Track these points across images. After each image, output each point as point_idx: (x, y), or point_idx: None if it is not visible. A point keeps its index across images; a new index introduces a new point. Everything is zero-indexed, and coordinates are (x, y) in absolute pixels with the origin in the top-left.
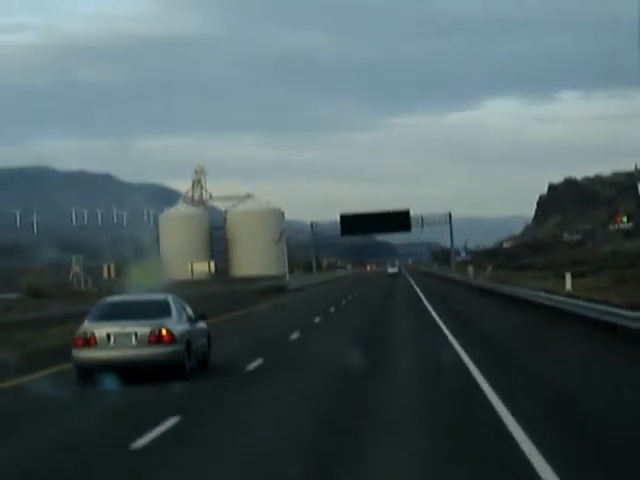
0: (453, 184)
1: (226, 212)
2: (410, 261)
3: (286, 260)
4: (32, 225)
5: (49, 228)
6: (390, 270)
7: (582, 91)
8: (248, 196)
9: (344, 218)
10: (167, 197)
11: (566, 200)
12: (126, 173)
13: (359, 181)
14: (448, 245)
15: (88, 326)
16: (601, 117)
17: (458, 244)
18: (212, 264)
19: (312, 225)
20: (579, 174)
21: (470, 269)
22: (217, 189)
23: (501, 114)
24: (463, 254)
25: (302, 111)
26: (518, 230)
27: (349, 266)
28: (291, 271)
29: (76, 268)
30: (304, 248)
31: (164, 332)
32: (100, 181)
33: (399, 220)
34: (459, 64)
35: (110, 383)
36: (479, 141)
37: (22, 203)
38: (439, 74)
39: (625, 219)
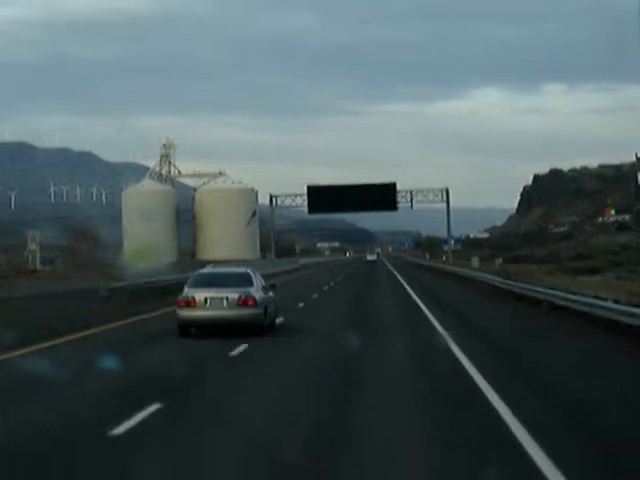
0: (436, 174)
1: (195, 190)
2: (390, 249)
3: (258, 244)
4: (9, 201)
5: (27, 205)
6: (369, 257)
7: (567, 84)
8: (220, 174)
9: (312, 191)
10: None
11: (551, 191)
12: (108, 152)
13: (343, 165)
14: (430, 234)
15: (189, 291)
16: (586, 110)
17: (442, 234)
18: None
19: (272, 198)
20: (565, 166)
21: (475, 260)
22: (189, 168)
23: (487, 104)
24: (453, 243)
25: (288, 95)
26: (500, 221)
27: (327, 252)
28: (263, 256)
29: (32, 246)
30: (286, 233)
31: (249, 298)
32: (82, 159)
33: (383, 196)
34: (447, 51)
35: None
36: (463, 131)
37: (0, 179)
38: (426, 61)
39: (613, 212)
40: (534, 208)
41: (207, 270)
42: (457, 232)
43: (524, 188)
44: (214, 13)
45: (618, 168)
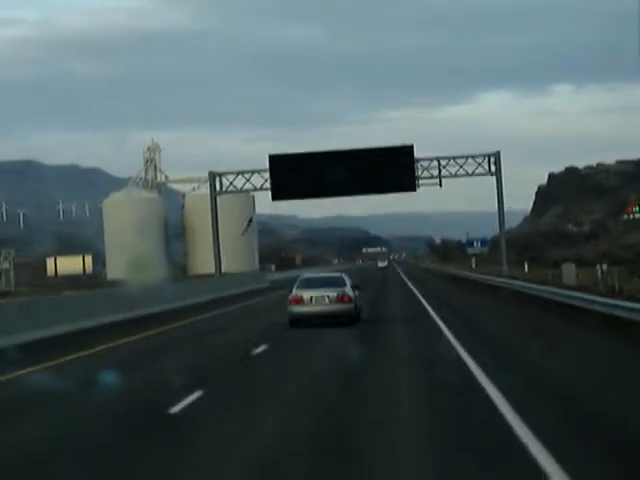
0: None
1: (184, 196)
2: (404, 255)
3: (256, 255)
4: (18, 219)
5: (36, 222)
6: (380, 264)
7: (575, 84)
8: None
9: (276, 163)
10: None
11: (567, 190)
12: (115, 167)
13: None
14: (444, 239)
15: (298, 292)
16: (596, 110)
17: (460, 236)
18: (88, 259)
19: (214, 178)
20: (580, 164)
21: (570, 270)
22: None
23: (495, 107)
24: (478, 245)
25: (294, 105)
26: (515, 222)
27: (335, 261)
28: (262, 268)
29: (5, 264)
30: (293, 243)
31: (345, 295)
32: (90, 175)
33: (394, 167)
34: (453, 57)
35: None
36: (473, 134)
37: (9, 197)
38: (433, 67)
39: (637, 208)
40: (550, 208)
41: (309, 275)
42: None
43: (539, 188)
44: (220, 28)
45: (637, 163)
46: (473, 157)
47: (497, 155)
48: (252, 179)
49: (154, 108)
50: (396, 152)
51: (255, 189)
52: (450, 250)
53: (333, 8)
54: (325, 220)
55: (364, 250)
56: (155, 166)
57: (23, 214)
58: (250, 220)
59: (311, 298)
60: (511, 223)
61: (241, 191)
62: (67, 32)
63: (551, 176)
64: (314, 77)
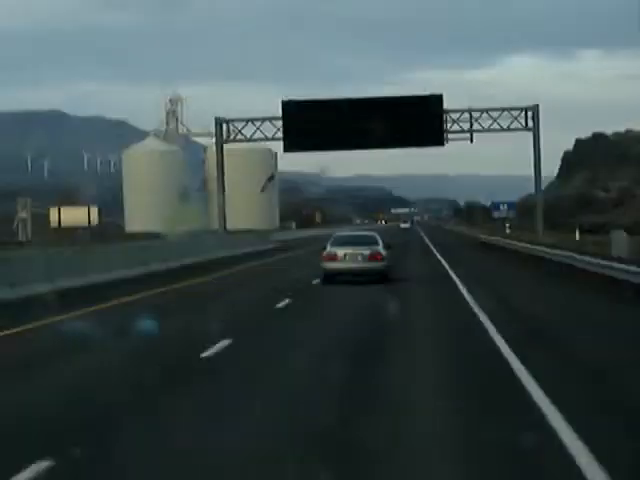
0: (470, 147)
1: (205, 149)
2: (427, 217)
3: (277, 212)
4: (43, 169)
5: (61, 172)
6: (402, 225)
7: (603, 49)
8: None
9: (290, 109)
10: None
11: (594, 156)
12: (143, 120)
13: None
14: (469, 202)
15: (331, 249)
16: (624, 76)
17: (484, 199)
18: (94, 210)
19: (220, 126)
20: (608, 130)
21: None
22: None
23: (521, 72)
24: (504, 209)
25: (317, 64)
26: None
27: (357, 221)
28: (283, 226)
29: (22, 214)
30: (316, 201)
31: (378, 253)
32: (116, 127)
33: (422, 118)
34: (477, 20)
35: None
36: (498, 98)
37: (35, 147)
38: (457, 30)
39: None
40: (576, 174)
41: (344, 233)
42: (486, 200)
43: (565, 154)
44: None
45: None
46: (509, 110)
47: (535, 109)
48: (263, 127)
49: (183, 61)
50: (423, 101)
51: (267, 138)
52: (475, 213)
53: None
54: (349, 179)
55: (392, 210)
56: (177, 119)
57: (47, 164)
58: (271, 176)
59: (344, 255)
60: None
61: (250, 140)
62: None
63: (578, 142)
64: (335, 35)
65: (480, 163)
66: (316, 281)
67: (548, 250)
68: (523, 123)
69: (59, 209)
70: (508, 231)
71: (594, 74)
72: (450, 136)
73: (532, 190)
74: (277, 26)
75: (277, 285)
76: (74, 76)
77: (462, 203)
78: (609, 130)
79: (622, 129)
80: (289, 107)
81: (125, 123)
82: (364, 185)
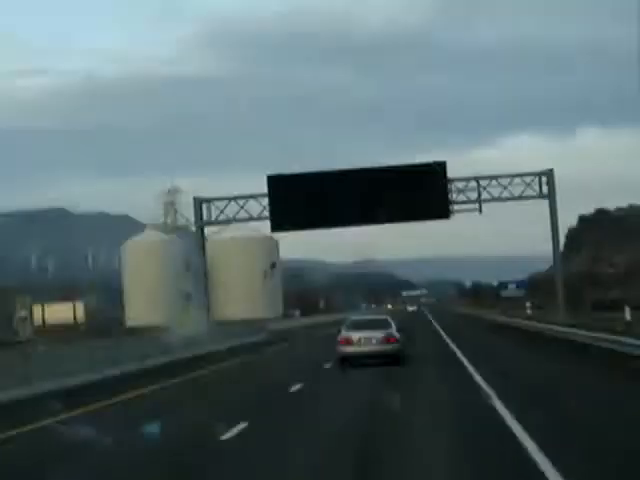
0: (473, 224)
1: (205, 240)
2: (433, 299)
3: (280, 299)
4: (47, 268)
5: (65, 271)
6: (409, 308)
7: (601, 127)
8: (234, 221)
9: (276, 184)
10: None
11: (598, 232)
12: (144, 214)
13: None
14: (475, 282)
15: (346, 333)
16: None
17: (490, 280)
18: (80, 307)
19: (200, 205)
20: (611, 206)
21: None
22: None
23: (521, 151)
24: (513, 287)
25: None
26: (544, 267)
27: (364, 305)
28: (286, 314)
29: (22, 312)
30: (320, 288)
31: (391, 337)
32: (119, 222)
33: (424, 189)
34: (477, 101)
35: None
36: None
37: (39, 245)
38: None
39: None
40: (581, 250)
41: (357, 317)
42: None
43: (569, 230)
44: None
45: None
46: (521, 176)
47: (550, 174)
48: (248, 206)
49: (183, 154)
50: (426, 170)
51: (251, 218)
52: (482, 294)
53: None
54: (353, 265)
55: (404, 293)
56: (175, 210)
57: (52, 262)
58: (273, 264)
59: (359, 339)
60: (539, 267)
61: (235, 220)
62: (91, 81)
63: (581, 218)
64: (335, 123)
65: (485, 243)
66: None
67: (586, 334)
68: (537, 190)
69: (42, 307)
70: (529, 312)
71: (594, 151)
72: (456, 207)
73: (540, 268)
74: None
75: (234, 399)
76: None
77: (468, 283)
78: (612, 206)
79: (624, 204)
80: (275, 182)
81: (128, 217)
82: (368, 269)
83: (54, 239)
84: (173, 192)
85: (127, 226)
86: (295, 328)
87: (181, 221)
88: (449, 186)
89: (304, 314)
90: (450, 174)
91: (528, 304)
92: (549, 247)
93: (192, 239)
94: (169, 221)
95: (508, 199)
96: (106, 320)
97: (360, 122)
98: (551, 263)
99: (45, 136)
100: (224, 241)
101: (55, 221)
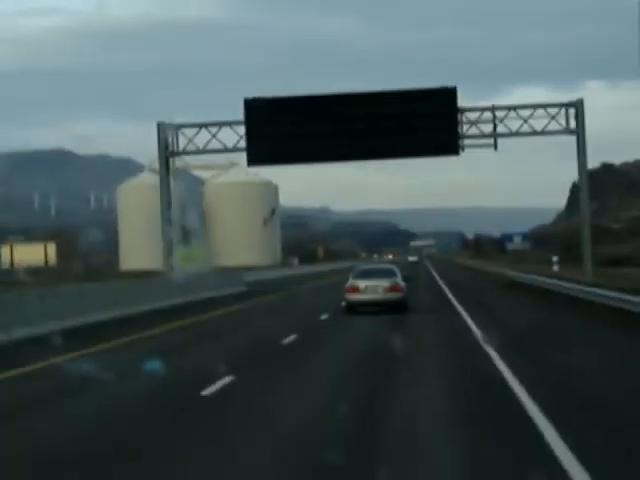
0: (479, 174)
1: (204, 184)
2: (434, 250)
3: (279, 247)
4: (49, 209)
5: (67, 212)
6: (410, 259)
7: (609, 80)
8: (232, 165)
9: (255, 109)
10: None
11: (603, 187)
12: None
13: (388, 171)
14: (478, 234)
15: (354, 281)
16: (632, 106)
17: (493, 232)
18: (52, 248)
19: (158, 130)
20: (616, 160)
21: None
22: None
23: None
24: (518, 240)
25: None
26: (548, 220)
27: (363, 255)
28: (284, 262)
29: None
30: (322, 236)
31: (397, 285)
32: (121, 164)
33: (430, 119)
34: (484, 53)
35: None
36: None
37: (42, 187)
38: (463, 63)
39: None
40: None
41: (364, 266)
42: (493, 232)
43: (573, 184)
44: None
45: None
46: (544, 107)
47: (579, 105)
48: (222, 136)
49: (184, 98)
50: (432, 97)
51: (225, 149)
52: (484, 246)
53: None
54: (355, 213)
55: (412, 243)
56: (174, 151)
57: (54, 204)
58: (273, 210)
59: (366, 287)
60: (543, 220)
61: (205, 151)
62: (103, 23)
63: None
64: (347, 72)
65: (486, 195)
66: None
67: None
68: (563, 123)
69: (11, 247)
70: (556, 268)
71: (601, 105)
72: (467, 142)
73: (541, 222)
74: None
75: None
76: (78, 116)
77: (469, 235)
78: (617, 160)
79: (631, 159)
80: (254, 107)
81: (130, 160)
82: (370, 219)
83: (53, 180)
84: (172, 132)
85: (129, 169)
86: (281, 279)
87: (179, 164)
88: (459, 117)
89: (303, 262)
90: (462, 104)
91: (555, 258)
92: (552, 199)
93: (190, 182)
94: (166, 164)
95: (528, 134)
96: (100, 264)
97: (361, 73)
98: (553, 216)
99: (48, 77)
100: (221, 186)
101: (55, 162)
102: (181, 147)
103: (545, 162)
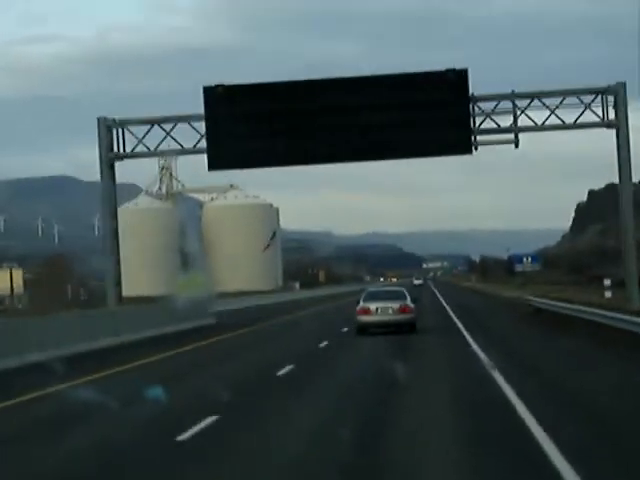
0: (484, 198)
1: (202, 207)
2: (439, 273)
3: (280, 271)
4: (53, 236)
5: (70, 238)
6: (415, 282)
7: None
8: (231, 187)
9: (216, 100)
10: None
11: (608, 207)
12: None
13: (393, 195)
14: (484, 256)
15: (364, 304)
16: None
17: (499, 254)
18: (19, 274)
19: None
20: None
21: None
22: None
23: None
24: (528, 261)
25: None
26: (553, 241)
27: (367, 278)
28: (285, 286)
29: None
30: (325, 260)
31: (407, 307)
32: (126, 190)
33: (436, 109)
34: (491, 75)
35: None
36: (508, 153)
37: (46, 213)
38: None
39: None
40: (590, 226)
41: (374, 289)
42: (503, 254)
43: (578, 205)
44: (255, 44)
45: None
46: (576, 94)
47: (620, 91)
48: (178, 133)
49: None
50: (437, 81)
51: (183, 151)
52: (491, 268)
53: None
54: (359, 237)
55: (424, 265)
56: (171, 174)
57: (57, 230)
58: (273, 234)
59: (377, 309)
60: (548, 242)
61: (155, 154)
62: (106, 50)
63: (591, 193)
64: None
65: (489, 217)
66: None
67: None
68: (600, 114)
69: None
70: (609, 294)
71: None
72: (480, 138)
73: (544, 243)
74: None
75: None
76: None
77: (475, 257)
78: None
79: (637, 179)
80: (216, 97)
81: (135, 186)
82: (373, 242)
83: (56, 206)
84: (168, 156)
85: (135, 194)
86: (267, 307)
87: (177, 187)
88: (472, 107)
89: (305, 286)
90: (474, 91)
91: (607, 282)
92: (558, 224)
93: (189, 206)
94: (163, 187)
95: (556, 127)
96: (97, 289)
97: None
98: (557, 238)
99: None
100: (220, 209)
101: (58, 188)
102: (128, 149)
103: (548, 182)
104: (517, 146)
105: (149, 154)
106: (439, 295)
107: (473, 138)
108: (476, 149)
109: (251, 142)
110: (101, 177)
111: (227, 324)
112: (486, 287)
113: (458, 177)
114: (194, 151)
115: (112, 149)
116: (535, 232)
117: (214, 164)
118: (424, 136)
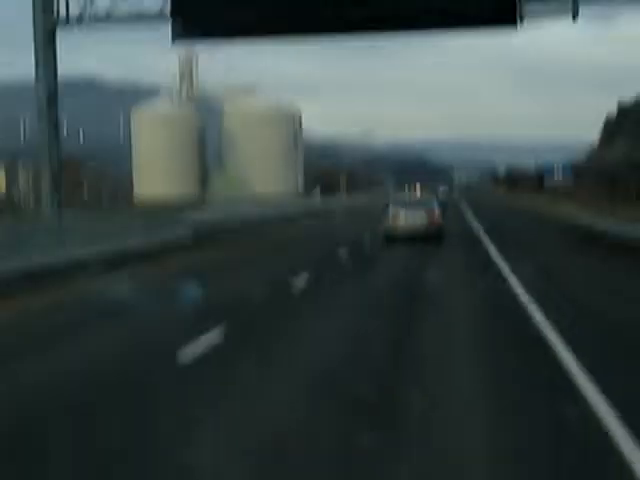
0: (514, 106)
1: (222, 109)
2: (465, 183)
3: (301, 177)
4: (78, 135)
5: (96, 139)
6: (441, 188)
7: None
8: (252, 88)
9: None
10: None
11: (637, 121)
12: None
13: (411, 100)
14: (511, 167)
15: (393, 210)
16: None
17: (528, 163)
18: (1, 176)
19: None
20: None
21: None
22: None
23: (563, 34)
24: (559, 175)
25: None
26: (578, 153)
27: (393, 186)
28: (307, 192)
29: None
30: (350, 167)
31: (434, 217)
32: (152, 92)
33: None
34: None
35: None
36: (540, 61)
37: (71, 113)
38: None
39: None
40: (618, 140)
41: (403, 197)
42: (529, 164)
43: (607, 118)
44: None
45: None
46: None
47: None
48: None
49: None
50: None
51: (142, 17)
52: (519, 180)
53: None
54: (386, 145)
55: (450, 175)
56: (192, 76)
57: (83, 130)
58: (296, 139)
59: (405, 216)
60: (576, 154)
61: (109, 20)
62: None
63: (620, 106)
64: None
65: (516, 125)
66: None
67: None
68: None
69: None
70: None
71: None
72: (531, 8)
73: (571, 156)
74: None
75: None
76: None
77: (501, 168)
78: None
79: None
80: None
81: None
82: (398, 150)
83: (86, 106)
84: (189, 58)
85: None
86: (231, 224)
87: (197, 89)
88: None
89: (325, 192)
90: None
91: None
92: (586, 135)
93: (208, 107)
94: (184, 90)
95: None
96: (109, 192)
97: None
98: (587, 149)
99: None
100: (242, 113)
101: (84, 89)
102: (74, 13)
103: (582, 94)
104: (575, 18)
105: (103, 19)
106: (466, 209)
107: (519, 6)
108: (521, 21)
109: (228, 6)
110: (42, 53)
111: (196, 242)
112: (521, 201)
113: (490, 84)
114: (158, 16)
115: (54, 11)
116: (561, 144)
117: (179, 34)
118: (459, 3)
